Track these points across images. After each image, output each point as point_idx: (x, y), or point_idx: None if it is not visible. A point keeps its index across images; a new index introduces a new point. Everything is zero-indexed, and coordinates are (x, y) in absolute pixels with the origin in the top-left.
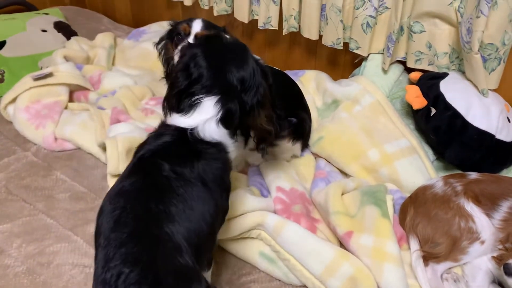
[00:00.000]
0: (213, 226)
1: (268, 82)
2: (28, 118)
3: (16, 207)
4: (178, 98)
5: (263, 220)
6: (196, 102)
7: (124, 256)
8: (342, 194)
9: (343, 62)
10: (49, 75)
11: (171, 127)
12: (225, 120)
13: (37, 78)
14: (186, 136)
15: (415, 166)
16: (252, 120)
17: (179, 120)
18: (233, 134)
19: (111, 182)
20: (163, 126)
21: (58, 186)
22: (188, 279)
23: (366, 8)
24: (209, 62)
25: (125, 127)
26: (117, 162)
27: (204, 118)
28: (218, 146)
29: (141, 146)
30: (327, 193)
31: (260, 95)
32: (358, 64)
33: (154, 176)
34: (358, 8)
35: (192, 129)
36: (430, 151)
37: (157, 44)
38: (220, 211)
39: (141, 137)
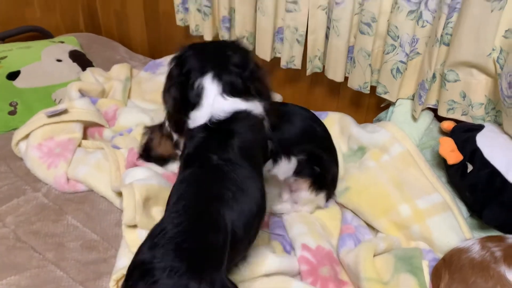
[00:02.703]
0: (262, 208)
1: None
2: (40, 157)
3: (24, 257)
4: (181, 95)
5: None
6: (199, 89)
7: (173, 215)
8: (374, 256)
9: (367, 104)
10: (64, 111)
11: (196, 129)
12: (230, 91)
13: (51, 115)
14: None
15: (448, 224)
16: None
17: (196, 116)
18: (247, 97)
19: (126, 232)
20: (188, 131)
21: (69, 232)
22: (208, 256)
23: (397, 54)
24: (198, 51)
25: (142, 173)
26: (133, 213)
27: (211, 100)
28: (241, 115)
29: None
30: (358, 255)
31: (257, 78)
32: (384, 108)
33: (207, 166)
34: (388, 53)
35: (210, 119)
36: (463, 207)
37: None
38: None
39: (159, 184)
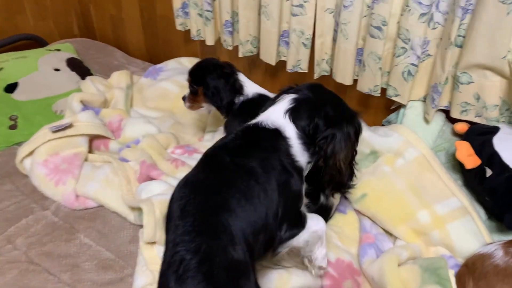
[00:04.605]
0: (266, 226)
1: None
2: (47, 174)
3: (39, 280)
4: None
5: None
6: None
7: (187, 244)
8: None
9: (375, 105)
10: (69, 126)
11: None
12: (293, 113)
13: (56, 130)
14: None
15: (468, 229)
16: (326, 145)
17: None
18: (301, 133)
19: (144, 249)
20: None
21: (83, 252)
22: (238, 273)
23: (408, 56)
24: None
25: (158, 187)
26: (153, 230)
27: (277, 108)
28: (278, 134)
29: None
30: (382, 268)
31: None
32: (394, 109)
33: (214, 168)
34: (398, 56)
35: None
36: (481, 210)
37: None
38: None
39: None
